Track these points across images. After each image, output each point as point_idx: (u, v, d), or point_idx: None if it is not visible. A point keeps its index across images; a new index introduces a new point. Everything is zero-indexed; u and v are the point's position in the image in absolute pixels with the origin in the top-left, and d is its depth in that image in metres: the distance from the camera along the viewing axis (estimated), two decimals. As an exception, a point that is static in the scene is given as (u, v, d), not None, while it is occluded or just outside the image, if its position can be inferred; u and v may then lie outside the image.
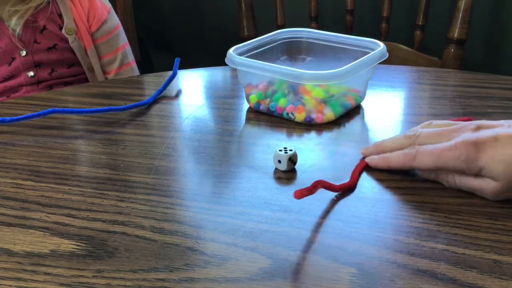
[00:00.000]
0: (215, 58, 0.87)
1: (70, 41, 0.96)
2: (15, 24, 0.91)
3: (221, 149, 0.58)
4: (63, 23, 0.96)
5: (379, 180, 0.51)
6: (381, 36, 1.23)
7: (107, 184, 0.51)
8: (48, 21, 0.94)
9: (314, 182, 0.45)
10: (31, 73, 0.95)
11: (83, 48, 0.98)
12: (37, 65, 0.95)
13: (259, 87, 0.66)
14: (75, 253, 0.42)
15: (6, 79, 0.95)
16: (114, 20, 1.03)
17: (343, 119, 0.64)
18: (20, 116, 0.63)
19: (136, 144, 0.59)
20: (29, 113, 0.64)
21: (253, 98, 0.66)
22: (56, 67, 0.97)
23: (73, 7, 0.97)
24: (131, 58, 1.06)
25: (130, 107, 0.68)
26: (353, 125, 0.64)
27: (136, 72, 1.07)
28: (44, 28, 0.94)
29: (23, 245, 0.43)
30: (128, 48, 1.05)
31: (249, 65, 0.63)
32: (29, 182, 0.52)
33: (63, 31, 0.95)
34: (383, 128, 0.63)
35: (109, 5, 1.03)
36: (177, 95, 0.74)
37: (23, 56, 0.94)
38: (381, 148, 0.53)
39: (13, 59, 0.94)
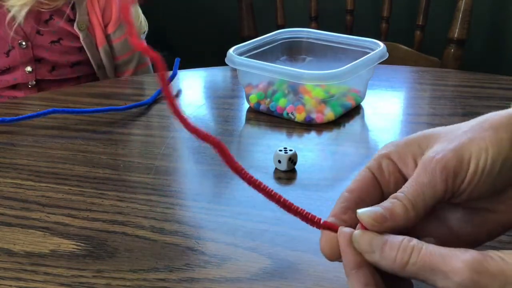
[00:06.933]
0: (215, 58, 0.87)
1: (81, 37, 0.85)
2: (17, 10, 0.79)
3: (221, 149, 0.58)
4: (74, 16, 0.84)
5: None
6: (381, 36, 1.23)
7: (107, 184, 0.51)
8: (55, 10, 0.82)
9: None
10: (29, 68, 0.84)
11: (94, 45, 0.87)
12: (37, 60, 0.85)
13: (259, 87, 0.66)
14: (75, 253, 0.42)
15: (3, 71, 0.85)
16: None
17: (343, 119, 0.64)
18: (20, 116, 0.63)
19: (136, 144, 0.59)
20: (29, 113, 0.64)
21: (253, 98, 0.66)
22: (57, 65, 0.87)
23: None
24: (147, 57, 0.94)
25: (130, 107, 0.68)
26: (353, 125, 0.64)
27: (151, 72, 0.97)
28: (50, 18, 0.82)
29: (23, 245, 0.43)
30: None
31: (249, 65, 0.63)
32: (29, 182, 0.52)
33: (74, 26, 0.84)
34: (383, 128, 0.63)
35: None
36: (177, 95, 0.74)
37: (23, 49, 0.83)
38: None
39: (12, 47, 0.83)
